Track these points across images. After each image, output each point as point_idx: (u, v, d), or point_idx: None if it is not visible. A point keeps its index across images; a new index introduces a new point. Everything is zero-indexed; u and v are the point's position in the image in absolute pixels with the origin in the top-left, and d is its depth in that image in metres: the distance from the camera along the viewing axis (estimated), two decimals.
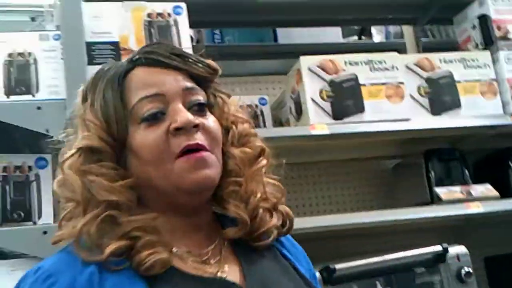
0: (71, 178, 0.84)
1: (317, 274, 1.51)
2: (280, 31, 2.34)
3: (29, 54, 1.56)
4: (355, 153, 2.13)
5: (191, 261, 0.85)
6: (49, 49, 1.56)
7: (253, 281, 0.86)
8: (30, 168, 1.56)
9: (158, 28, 1.64)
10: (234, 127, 0.93)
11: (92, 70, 1.01)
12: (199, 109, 0.89)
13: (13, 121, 1.42)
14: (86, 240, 0.80)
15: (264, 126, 1.96)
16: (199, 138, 0.85)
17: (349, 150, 2.08)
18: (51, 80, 1.55)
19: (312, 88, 1.76)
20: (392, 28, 2.65)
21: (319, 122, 1.73)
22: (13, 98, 1.52)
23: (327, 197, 2.19)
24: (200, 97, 0.90)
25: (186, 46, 1.63)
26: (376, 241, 2.01)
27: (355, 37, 2.58)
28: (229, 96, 0.97)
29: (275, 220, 0.92)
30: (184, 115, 0.85)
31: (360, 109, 1.77)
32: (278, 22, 2.28)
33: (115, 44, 1.57)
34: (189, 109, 0.87)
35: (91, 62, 1.50)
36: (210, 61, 0.94)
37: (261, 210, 0.91)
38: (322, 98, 1.75)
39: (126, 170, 0.86)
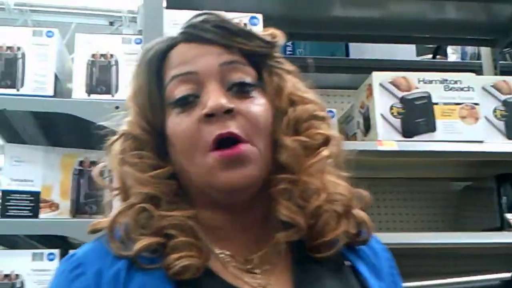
0: (112, 166, 0.79)
1: None
2: (352, 46, 2.34)
3: (111, 56, 1.62)
4: (423, 172, 2.10)
5: (232, 267, 0.75)
6: (130, 53, 1.62)
7: None
8: None
9: None
10: (290, 109, 0.78)
11: None
12: (240, 89, 0.76)
13: (91, 118, 1.48)
14: (120, 231, 0.74)
15: None
16: (234, 125, 0.72)
17: (417, 169, 2.05)
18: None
19: (382, 104, 1.74)
20: (469, 49, 2.59)
21: (387, 139, 1.71)
22: (93, 96, 1.59)
23: (390, 215, 2.16)
24: (242, 74, 0.76)
25: None
26: (437, 263, 1.96)
27: (430, 56, 2.53)
28: (291, 72, 0.82)
29: (343, 228, 0.76)
30: (214, 99, 0.73)
31: (432, 128, 1.74)
32: (351, 37, 2.28)
33: None
34: (228, 89, 0.75)
35: None
36: (265, 34, 0.81)
37: (326, 214, 0.76)
38: (392, 114, 1.73)
39: (166, 160, 0.77)
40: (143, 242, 0.72)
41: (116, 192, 0.79)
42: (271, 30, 0.82)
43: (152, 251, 0.72)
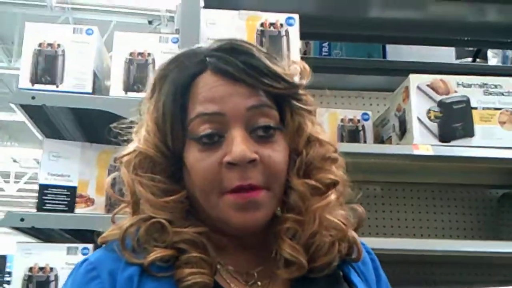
0: (125, 178, 0.80)
1: None
2: (390, 48, 2.30)
3: (149, 54, 1.64)
4: (460, 178, 2.06)
5: (235, 281, 0.80)
6: (167, 51, 1.63)
7: None
8: None
9: (269, 38, 1.67)
10: (304, 153, 0.81)
11: None
12: (263, 134, 0.77)
13: (128, 116, 1.50)
14: (131, 241, 0.78)
15: (365, 142, 1.94)
16: (254, 176, 0.75)
17: (453, 174, 2.01)
18: None
19: (419, 107, 1.71)
20: (510, 52, 2.52)
21: (423, 143, 1.68)
22: (130, 94, 1.61)
23: (424, 221, 2.12)
24: (267, 118, 0.78)
25: (295, 57, 1.65)
26: (471, 271, 1.93)
27: (469, 59, 2.48)
28: (311, 112, 0.84)
29: (335, 252, 0.81)
30: (239, 148, 0.74)
31: (469, 133, 1.70)
32: (389, 38, 2.25)
33: None
34: (251, 131, 0.77)
35: None
36: (288, 72, 0.81)
37: (317, 240, 0.80)
38: (429, 118, 1.70)
39: (179, 182, 0.80)
40: (157, 253, 0.76)
41: (126, 204, 0.82)
42: (301, 65, 0.84)
43: (164, 261, 0.76)
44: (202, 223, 0.80)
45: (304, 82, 0.83)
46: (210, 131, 0.76)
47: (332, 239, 0.81)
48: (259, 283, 0.81)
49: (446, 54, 2.35)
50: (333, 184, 0.81)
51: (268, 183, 0.77)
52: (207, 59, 0.79)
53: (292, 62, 0.84)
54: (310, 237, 0.80)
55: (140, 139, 0.81)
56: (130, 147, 0.82)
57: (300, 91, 0.82)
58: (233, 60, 0.77)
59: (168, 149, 0.79)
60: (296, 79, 0.82)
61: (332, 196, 0.81)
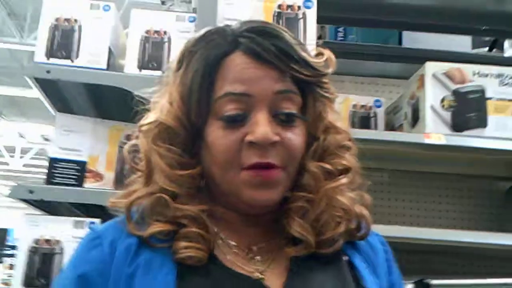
0: (142, 147, 0.83)
1: (411, 287, 1.47)
2: (406, 34, 2.28)
3: (165, 33, 1.63)
4: (470, 169, 2.04)
5: (235, 254, 0.82)
6: (184, 30, 1.63)
7: None
8: None
9: (286, 20, 1.66)
10: (321, 138, 0.83)
11: None
12: (285, 119, 0.80)
13: (141, 93, 1.50)
14: (136, 213, 0.82)
15: (376, 128, 1.93)
16: (273, 155, 0.78)
17: (463, 165, 2.00)
18: None
19: (433, 96, 1.70)
20: None
21: (436, 132, 1.67)
22: (144, 72, 1.61)
23: (431, 210, 2.11)
24: (291, 105, 0.80)
25: (311, 40, 1.64)
26: (476, 263, 1.93)
27: (485, 49, 2.45)
28: (331, 100, 0.86)
29: (342, 228, 0.83)
30: (262, 129, 0.76)
31: (483, 123, 1.70)
32: (405, 25, 2.23)
33: None
34: (274, 116, 0.79)
35: None
36: (318, 60, 0.83)
37: (325, 215, 0.82)
38: (443, 107, 1.70)
39: (194, 156, 0.82)
40: (156, 227, 0.79)
41: (141, 173, 0.84)
42: (327, 54, 0.85)
43: (163, 235, 0.80)
44: (210, 200, 0.83)
45: (330, 70, 0.84)
46: (236, 112, 0.78)
47: (339, 218, 0.83)
48: (258, 257, 0.82)
49: (462, 44, 2.32)
50: (346, 170, 0.83)
51: (285, 163, 0.79)
52: (239, 39, 0.80)
53: (319, 49, 0.85)
54: (318, 215, 0.81)
55: (161, 110, 0.82)
56: (150, 116, 0.83)
57: (324, 79, 0.84)
58: (265, 43, 0.79)
59: (190, 123, 0.81)
60: (322, 67, 0.83)
61: (344, 180, 0.83)
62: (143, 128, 0.83)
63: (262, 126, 0.77)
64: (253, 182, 0.78)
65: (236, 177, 0.79)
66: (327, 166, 0.82)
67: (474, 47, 2.39)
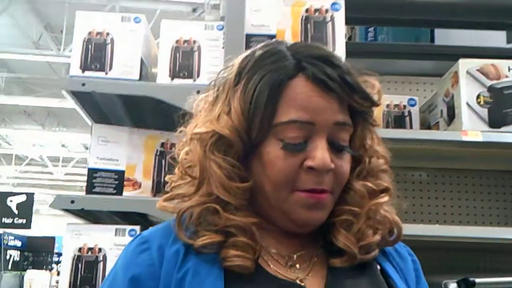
0: (196, 154, 0.84)
1: (454, 286, 1.45)
2: (438, 32, 2.24)
3: (194, 42, 1.66)
4: (509, 165, 2.00)
5: (276, 262, 0.85)
6: (213, 39, 1.65)
7: None
8: None
9: (314, 24, 1.66)
10: (367, 161, 0.89)
11: None
12: (339, 148, 0.84)
13: (174, 102, 1.53)
14: (186, 219, 0.84)
15: (411, 128, 1.91)
16: (327, 182, 0.83)
17: (502, 161, 1.96)
18: (212, 67, 1.63)
19: (469, 93, 1.67)
20: None
21: (472, 129, 1.65)
22: (176, 81, 1.64)
23: (471, 208, 2.07)
24: (346, 136, 0.85)
25: (340, 43, 1.63)
26: None
27: None
28: (375, 126, 0.91)
29: (378, 237, 0.87)
30: (322, 157, 0.81)
31: None
32: (437, 23, 2.19)
33: (272, 37, 1.61)
34: (330, 143, 0.83)
35: None
36: (373, 93, 0.87)
37: (364, 226, 0.87)
38: (479, 103, 1.67)
39: (246, 170, 0.84)
40: (207, 239, 0.82)
41: (191, 179, 0.87)
42: (377, 85, 0.89)
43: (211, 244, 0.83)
44: (257, 214, 0.85)
45: (381, 101, 0.88)
46: (299, 140, 0.82)
47: (376, 227, 0.88)
48: (297, 266, 0.86)
49: (496, 39, 2.27)
50: (386, 189, 0.89)
51: (334, 188, 0.85)
52: (303, 63, 0.84)
53: (369, 79, 0.89)
54: (360, 228, 0.86)
55: (217, 120, 0.85)
56: (205, 125, 0.85)
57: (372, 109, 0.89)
58: (329, 71, 0.82)
59: (249, 138, 0.84)
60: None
61: (385, 198, 0.89)
62: (197, 136, 0.85)
63: (322, 153, 0.81)
64: (308, 203, 0.83)
65: (290, 197, 0.83)
66: (370, 185, 0.87)
67: (508, 41, 2.34)
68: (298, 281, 0.83)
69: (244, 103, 0.83)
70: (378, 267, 0.90)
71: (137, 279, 0.82)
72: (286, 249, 0.87)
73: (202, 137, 0.85)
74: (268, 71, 0.83)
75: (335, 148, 0.84)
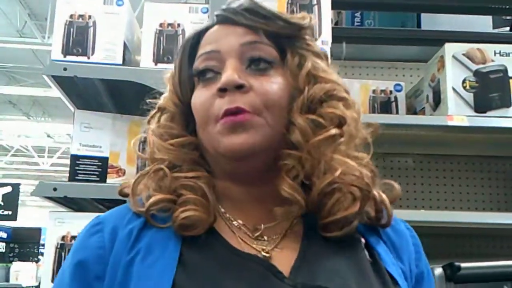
0: (148, 137, 0.85)
1: (440, 270, 1.45)
2: (424, 17, 2.23)
3: (178, 25, 1.63)
4: (495, 150, 2.00)
5: (239, 233, 0.79)
6: (197, 22, 1.62)
7: (300, 272, 0.73)
8: None
9: (300, 7, 1.63)
10: (306, 88, 0.78)
11: None
12: (257, 66, 0.78)
13: (158, 87, 1.50)
14: (138, 192, 0.81)
15: (397, 113, 1.90)
16: (243, 101, 0.75)
17: (488, 146, 1.96)
18: None
19: (454, 77, 1.67)
20: None
21: (458, 113, 1.64)
22: (160, 65, 1.61)
23: (457, 193, 2.08)
24: (262, 52, 0.79)
25: (326, 27, 1.61)
26: (504, 244, 1.89)
27: (507, 29, 2.39)
28: (316, 54, 0.82)
29: (355, 208, 0.76)
30: (228, 74, 0.76)
31: (506, 103, 1.66)
32: (423, 7, 2.18)
33: None
34: (247, 67, 0.79)
35: None
36: (292, 16, 0.82)
37: (337, 194, 0.76)
38: (464, 88, 1.67)
39: (192, 133, 0.83)
40: (154, 197, 0.78)
41: (147, 161, 0.85)
42: (302, 14, 0.84)
43: (165, 210, 0.78)
44: (211, 176, 0.81)
45: (305, 24, 0.82)
46: (204, 65, 0.80)
47: (353, 195, 0.77)
48: (265, 237, 0.79)
49: (482, 23, 2.27)
50: (338, 119, 0.77)
51: (258, 109, 0.76)
52: (219, 13, 0.84)
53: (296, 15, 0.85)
54: (327, 186, 0.76)
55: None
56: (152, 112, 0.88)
57: (303, 35, 0.83)
58: (235, 8, 0.81)
59: (180, 100, 0.84)
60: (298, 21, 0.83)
61: (333, 131, 0.77)
62: (150, 120, 0.87)
63: (228, 71, 0.77)
64: (226, 128, 0.76)
65: (214, 130, 0.78)
66: (314, 117, 0.77)
67: (495, 26, 2.33)
68: (263, 253, 0.76)
69: (171, 72, 0.87)
70: (363, 240, 0.80)
71: (83, 263, 0.77)
72: (253, 219, 0.80)
73: (152, 119, 0.87)
74: (192, 33, 0.86)
75: (253, 68, 0.79)
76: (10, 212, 9.90)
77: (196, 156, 0.82)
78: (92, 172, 1.63)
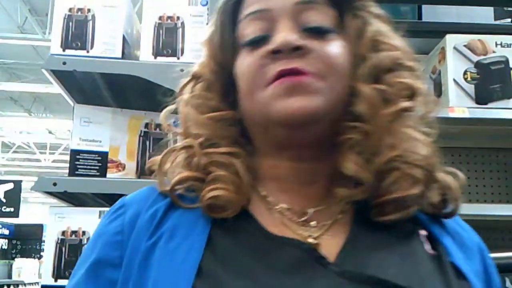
0: (180, 108, 0.76)
1: None
2: (425, 8, 2.22)
3: (178, 18, 1.62)
4: (496, 142, 1.99)
5: (282, 218, 0.70)
6: (197, 14, 1.61)
7: (348, 259, 0.65)
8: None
9: None
10: (370, 56, 0.69)
11: None
12: (315, 32, 0.69)
13: (157, 81, 1.50)
14: (165, 170, 0.73)
15: None
16: (301, 63, 0.66)
17: (490, 138, 1.95)
18: (196, 45, 1.59)
19: (456, 69, 1.66)
20: None
21: (459, 105, 1.64)
22: (159, 59, 1.60)
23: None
24: (319, 16, 0.69)
25: None
26: (505, 236, 1.89)
27: (508, 20, 2.37)
28: (383, 18, 0.74)
29: (416, 190, 0.67)
30: (282, 35, 0.67)
31: (508, 94, 1.65)
32: None
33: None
34: (303, 30, 0.69)
35: None
36: None
37: (396, 172, 0.67)
38: (465, 79, 1.65)
39: (232, 105, 0.74)
40: (180, 175, 0.70)
41: (179, 136, 0.76)
42: None
43: (193, 190, 0.70)
44: (254, 155, 0.73)
45: None
46: (257, 34, 0.70)
47: (414, 176, 0.67)
48: (313, 223, 0.69)
49: (483, 15, 2.25)
50: (410, 91, 0.69)
51: (321, 72, 0.66)
52: None
53: None
54: (386, 163, 0.67)
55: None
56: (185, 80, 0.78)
57: None
58: None
59: (220, 66, 0.74)
60: None
61: (406, 103, 0.68)
62: (181, 91, 0.77)
63: (281, 32, 0.67)
64: (282, 89, 0.66)
65: (264, 94, 0.67)
66: (384, 87, 0.67)
67: (496, 18, 2.32)
68: (310, 240, 0.67)
69: (209, 35, 0.76)
70: (425, 232, 0.70)
71: (99, 262, 0.70)
72: (303, 203, 0.70)
73: (184, 89, 0.77)
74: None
75: (310, 31, 0.68)
76: (12, 209, 9.91)
77: (235, 133, 0.73)
78: (92, 167, 1.62)
